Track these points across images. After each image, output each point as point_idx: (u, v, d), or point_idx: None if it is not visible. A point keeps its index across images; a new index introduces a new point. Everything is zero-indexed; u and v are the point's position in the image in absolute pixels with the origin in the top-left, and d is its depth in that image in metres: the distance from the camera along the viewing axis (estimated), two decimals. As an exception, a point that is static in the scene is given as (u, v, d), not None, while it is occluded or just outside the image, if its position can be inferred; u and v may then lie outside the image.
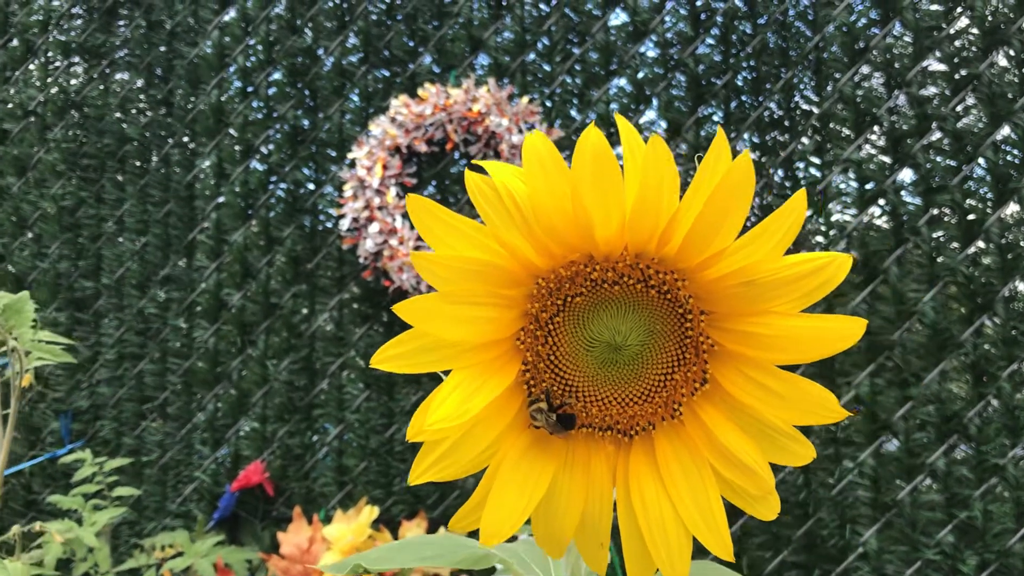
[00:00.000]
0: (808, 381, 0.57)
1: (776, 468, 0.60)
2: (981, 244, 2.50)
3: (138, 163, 3.27)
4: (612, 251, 0.58)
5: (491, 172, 0.56)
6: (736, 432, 0.59)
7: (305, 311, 3.01)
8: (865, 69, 2.63)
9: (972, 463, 2.41)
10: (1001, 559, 2.35)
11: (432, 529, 2.78)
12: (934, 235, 2.53)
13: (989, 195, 2.51)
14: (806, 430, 0.59)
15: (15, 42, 3.41)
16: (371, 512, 2.71)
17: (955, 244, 2.51)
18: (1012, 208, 2.49)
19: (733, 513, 0.65)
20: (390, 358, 0.58)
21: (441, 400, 0.57)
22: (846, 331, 0.55)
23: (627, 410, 0.62)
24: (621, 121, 0.54)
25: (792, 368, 0.58)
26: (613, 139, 2.80)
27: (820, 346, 0.56)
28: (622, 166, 0.54)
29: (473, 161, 0.61)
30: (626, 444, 0.63)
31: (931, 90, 2.57)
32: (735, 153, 0.51)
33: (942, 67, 2.58)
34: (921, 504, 2.42)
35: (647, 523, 0.59)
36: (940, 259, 2.51)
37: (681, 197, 0.54)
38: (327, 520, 2.81)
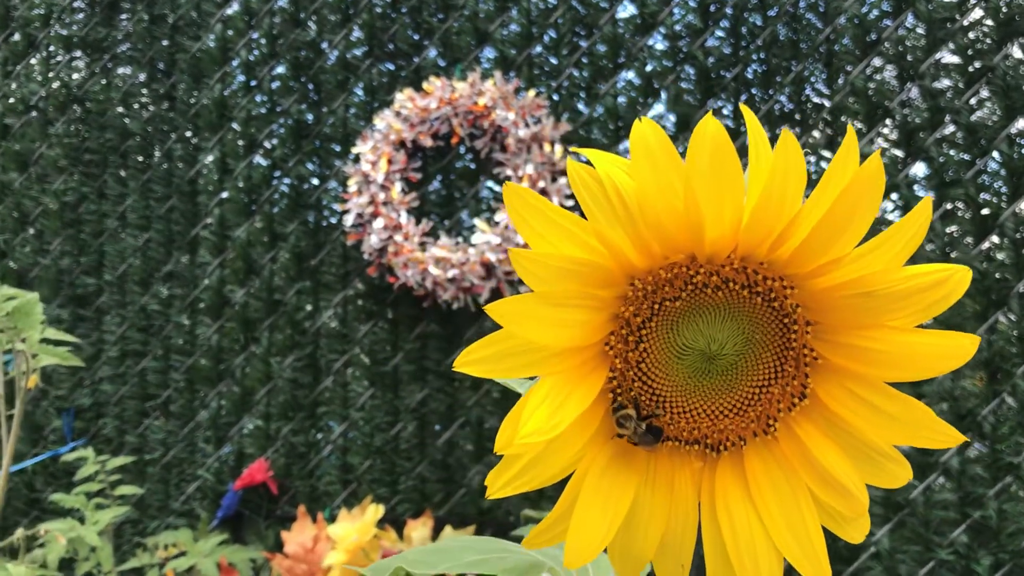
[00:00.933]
0: (916, 401, 0.53)
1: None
2: (995, 239, 2.46)
3: (140, 158, 3.24)
4: (718, 253, 0.54)
5: (595, 162, 0.52)
6: (834, 451, 0.55)
7: (309, 308, 2.98)
8: (877, 61, 2.59)
9: (986, 461, 2.38)
10: (1016, 559, 2.31)
11: (438, 528, 2.75)
12: (947, 230, 2.49)
13: (1004, 189, 2.47)
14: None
15: (16, 36, 3.39)
16: (376, 511, 2.69)
17: (969, 239, 2.47)
18: (1027, 203, 2.45)
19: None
20: (476, 361, 0.54)
21: (532, 411, 0.53)
22: (961, 348, 0.51)
23: (717, 423, 0.58)
24: (747, 113, 0.50)
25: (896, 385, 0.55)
26: (621, 134, 2.76)
27: (934, 364, 0.52)
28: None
29: (573, 148, 0.57)
30: (713, 459, 0.59)
31: (944, 83, 2.53)
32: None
33: (956, 59, 2.53)
34: (934, 503, 2.38)
35: (735, 544, 0.56)
36: (954, 255, 2.47)
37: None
38: (332, 519, 2.79)
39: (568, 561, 0.54)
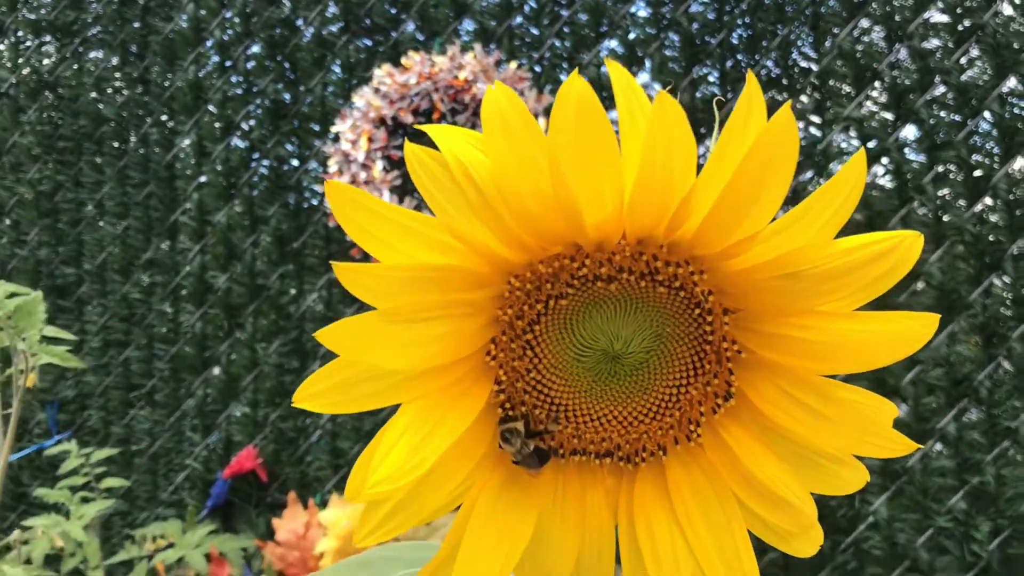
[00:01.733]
0: (861, 394, 0.45)
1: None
2: (988, 201, 2.41)
3: (116, 144, 3.17)
4: (607, 238, 0.46)
5: (439, 141, 0.43)
6: (770, 458, 0.48)
7: (293, 292, 2.92)
8: (865, 23, 2.53)
9: (983, 427, 2.34)
10: (1015, 524, 2.28)
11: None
12: (939, 193, 2.44)
13: (996, 150, 2.42)
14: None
15: (-17, 22, 3.30)
16: (367, 496, 2.65)
17: (961, 202, 2.43)
18: (1020, 163, 2.40)
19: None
20: (317, 394, 0.45)
21: (387, 450, 0.44)
22: (913, 332, 0.43)
23: (631, 431, 0.50)
24: (613, 68, 0.42)
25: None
26: (607, 104, 2.70)
27: (879, 353, 0.44)
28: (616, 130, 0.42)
29: (415, 126, 0.48)
30: (630, 473, 0.51)
31: (934, 43, 2.48)
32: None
33: (944, 18, 2.48)
34: (932, 470, 2.35)
35: (656, 567, 0.48)
36: (946, 218, 2.43)
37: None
38: (323, 504, 2.75)
39: None
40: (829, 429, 0.46)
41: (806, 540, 0.49)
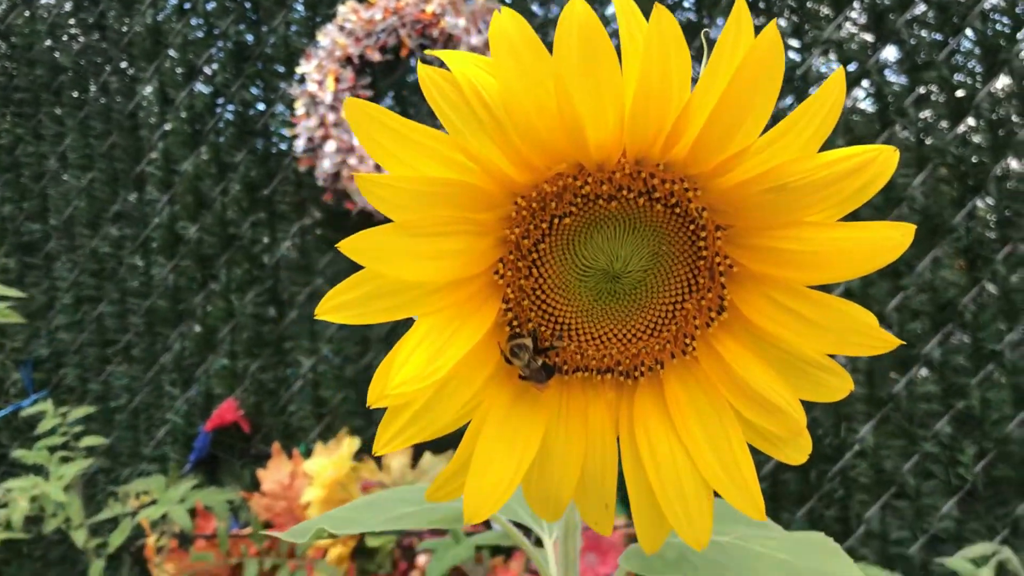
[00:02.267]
0: (846, 303, 0.47)
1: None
2: (971, 121, 2.37)
3: (75, 94, 3.07)
4: (607, 158, 0.48)
5: (451, 64, 0.45)
6: (761, 367, 0.50)
7: (266, 240, 2.86)
8: (843, -60, 2.45)
9: (968, 351, 2.34)
10: (1000, 447, 2.29)
11: (417, 455, 2.70)
12: (921, 115, 2.40)
13: (978, 69, 2.37)
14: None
15: (-73, -30, 3.16)
16: (352, 443, 2.63)
17: (944, 123, 2.38)
18: (1003, 81, 2.35)
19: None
20: (339, 306, 0.47)
21: (406, 356, 0.47)
22: (892, 241, 0.45)
23: (630, 347, 0.53)
24: None
25: (825, 288, 0.48)
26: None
27: (861, 261, 0.46)
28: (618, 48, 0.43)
29: (427, 51, 0.47)
30: (630, 388, 0.54)
31: (914, -41, 2.41)
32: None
33: (925, -67, 2.40)
34: (917, 396, 2.35)
35: (659, 479, 0.50)
36: (928, 140, 2.38)
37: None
38: (307, 454, 2.73)
39: (469, 513, 0.49)
40: (818, 334, 0.49)
41: (795, 447, 0.51)
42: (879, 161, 0.44)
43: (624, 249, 0.51)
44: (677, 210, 0.49)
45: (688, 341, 0.52)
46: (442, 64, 0.45)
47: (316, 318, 0.47)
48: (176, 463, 2.84)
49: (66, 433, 2.45)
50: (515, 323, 0.52)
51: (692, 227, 0.50)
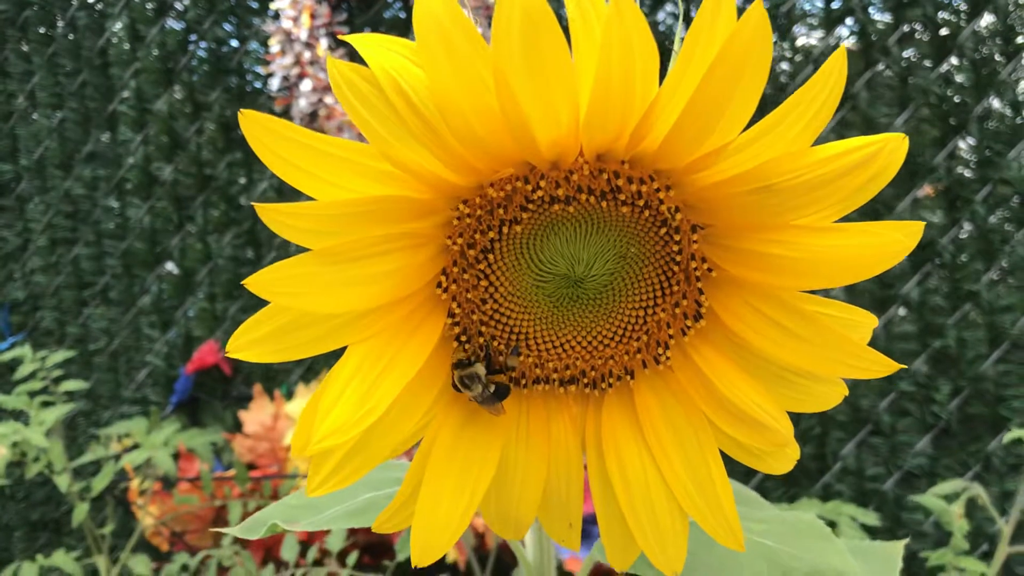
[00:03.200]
0: (834, 318, 0.42)
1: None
2: (955, 60, 2.35)
3: (42, 30, 2.98)
4: (562, 156, 0.41)
5: (367, 54, 0.38)
6: (743, 378, 0.45)
7: (243, 181, 2.82)
8: None
9: (945, 291, 2.35)
10: (974, 384, 2.32)
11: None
12: (905, 54, 2.37)
13: (963, 7, 2.34)
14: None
15: None
16: (333, 385, 2.63)
17: (927, 62, 2.36)
18: (987, 19, 2.33)
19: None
20: (249, 344, 0.42)
21: (333, 399, 0.41)
22: (896, 244, 0.39)
23: (595, 356, 0.48)
24: None
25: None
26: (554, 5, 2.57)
27: (858, 268, 0.41)
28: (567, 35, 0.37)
29: (340, 36, 0.41)
30: (597, 400, 0.49)
31: None
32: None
33: None
34: (895, 336, 2.37)
35: (628, 498, 0.46)
36: (912, 80, 2.36)
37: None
38: (289, 396, 2.73)
39: (417, 556, 0.43)
40: (803, 349, 0.44)
41: (781, 457, 0.48)
42: (885, 152, 0.38)
43: (586, 252, 0.45)
44: (647, 212, 0.44)
45: (661, 350, 0.48)
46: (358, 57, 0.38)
47: (227, 356, 0.42)
48: (157, 405, 2.84)
49: (45, 377, 2.43)
50: (463, 337, 0.47)
51: (664, 229, 0.45)
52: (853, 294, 2.37)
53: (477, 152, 0.40)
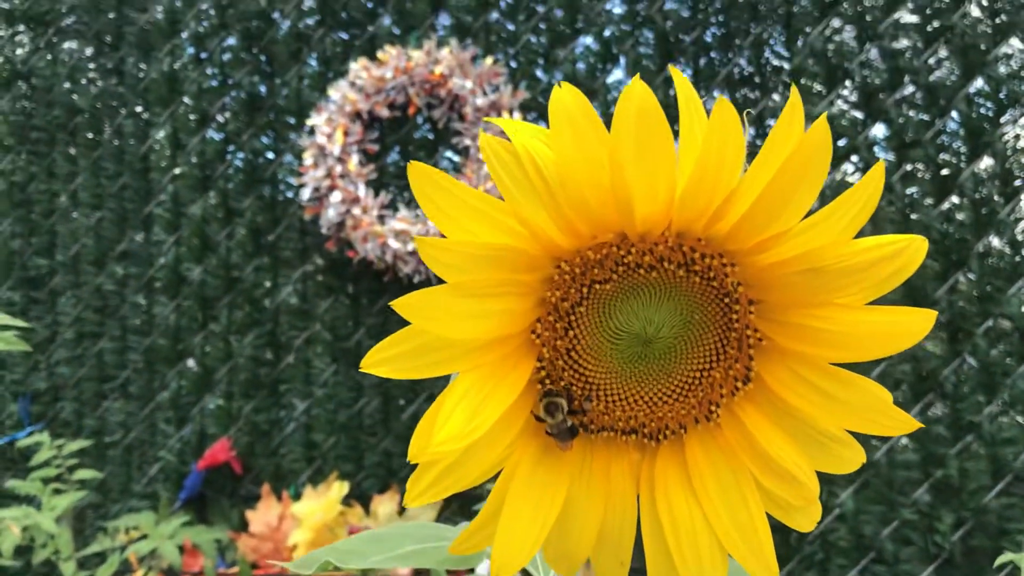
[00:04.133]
0: (867, 381, 0.50)
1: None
2: (955, 199, 2.45)
3: (90, 135, 3.15)
4: (651, 230, 0.50)
5: (510, 134, 0.47)
6: (781, 436, 0.52)
7: (268, 284, 2.92)
8: (836, 22, 2.57)
9: (948, 421, 2.39)
10: (977, 516, 2.33)
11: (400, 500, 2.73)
12: (908, 191, 2.48)
13: (963, 149, 2.47)
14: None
15: (-44, 11, 3.27)
16: (341, 488, 2.66)
17: (929, 200, 2.47)
18: (986, 162, 2.44)
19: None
20: (385, 360, 0.49)
21: (448, 413, 0.48)
22: (916, 325, 0.47)
23: (655, 411, 0.55)
24: (677, 77, 0.46)
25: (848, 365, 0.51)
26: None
27: (886, 343, 0.48)
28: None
29: (486, 119, 0.51)
30: (652, 449, 0.55)
31: (903, 42, 2.52)
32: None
33: (914, 19, 2.52)
34: (897, 464, 2.40)
35: (676, 539, 0.52)
36: (914, 216, 2.47)
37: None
38: (297, 497, 2.76)
39: (496, 568, 0.50)
40: (839, 409, 0.51)
41: (806, 515, 0.53)
42: (910, 250, 0.46)
43: (658, 315, 0.52)
44: (714, 283, 0.51)
45: (713, 408, 0.54)
46: (502, 133, 0.48)
47: (361, 371, 0.48)
48: (167, 500, 2.86)
49: (60, 465, 2.48)
50: (547, 381, 0.54)
51: (726, 300, 0.52)
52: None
53: (585, 218, 0.48)
